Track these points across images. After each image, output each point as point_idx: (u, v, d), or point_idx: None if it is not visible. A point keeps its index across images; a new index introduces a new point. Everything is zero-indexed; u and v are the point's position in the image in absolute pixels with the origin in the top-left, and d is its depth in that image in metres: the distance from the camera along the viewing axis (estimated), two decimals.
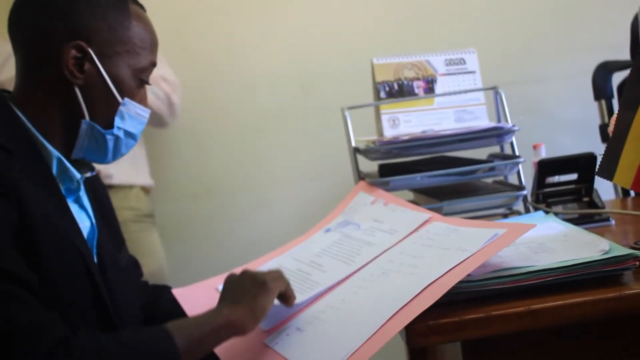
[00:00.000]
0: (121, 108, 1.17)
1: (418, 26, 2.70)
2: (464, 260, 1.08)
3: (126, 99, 1.17)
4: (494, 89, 1.75)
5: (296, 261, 1.37)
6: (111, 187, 2.27)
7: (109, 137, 1.18)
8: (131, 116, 1.19)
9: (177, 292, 1.37)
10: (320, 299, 1.19)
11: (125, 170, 2.35)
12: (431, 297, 1.02)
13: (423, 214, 1.35)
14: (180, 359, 1.00)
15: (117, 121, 1.18)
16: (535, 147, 2.04)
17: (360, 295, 1.15)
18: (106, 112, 1.17)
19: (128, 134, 1.20)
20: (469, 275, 1.05)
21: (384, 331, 1.00)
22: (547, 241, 1.23)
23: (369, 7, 2.72)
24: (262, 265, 1.42)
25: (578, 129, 2.65)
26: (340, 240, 1.38)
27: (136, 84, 1.19)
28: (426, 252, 1.19)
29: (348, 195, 1.58)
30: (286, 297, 1.14)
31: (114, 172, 2.31)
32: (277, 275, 1.15)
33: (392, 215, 1.40)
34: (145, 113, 1.22)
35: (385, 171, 1.63)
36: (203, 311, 1.09)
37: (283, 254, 1.44)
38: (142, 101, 1.21)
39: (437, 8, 2.72)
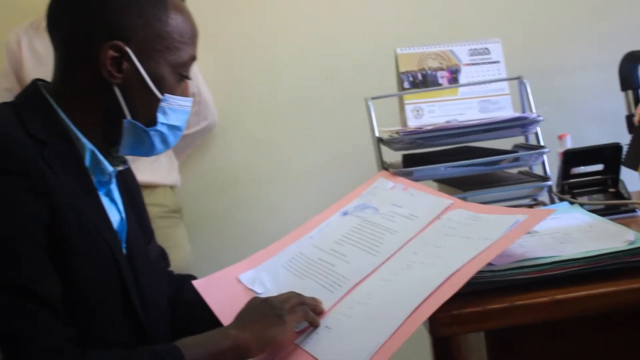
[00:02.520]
0: (162, 104, 1.15)
1: (442, 16, 2.69)
2: (486, 248, 1.08)
3: (166, 95, 1.15)
4: (519, 79, 1.74)
5: (316, 249, 1.36)
6: None
7: (152, 133, 1.16)
8: (173, 110, 1.17)
9: (197, 284, 1.37)
10: (347, 295, 1.19)
11: (148, 171, 2.36)
12: (453, 287, 1.02)
13: (443, 199, 1.34)
14: None
15: (160, 117, 1.16)
16: (560, 138, 2.02)
17: (385, 288, 1.15)
18: (147, 109, 1.15)
19: (172, 127, 1.18)
20: (493, 265, 1.05)
21: (408, 324, 1.01)
22: (572, 231, 1.22)
23: None
24: (281, 251, 1.41)
25: (604, 120, 2.62)
26: (360, 225, 1.37)
27: (176, 79, 1.17)
28: (449, 242, 1.18)
29: (367, 181, 1.56)
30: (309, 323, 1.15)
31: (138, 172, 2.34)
32: (295, 302, 1.15)
33: (410, 199, 1.39)
34: (187, 103, 1.20)
35: (409, 161, 1.62)
36: (223, 307, 1.15)
37: (301, 239, 1.43)
38: (184, 94, 1.19)
39: None
